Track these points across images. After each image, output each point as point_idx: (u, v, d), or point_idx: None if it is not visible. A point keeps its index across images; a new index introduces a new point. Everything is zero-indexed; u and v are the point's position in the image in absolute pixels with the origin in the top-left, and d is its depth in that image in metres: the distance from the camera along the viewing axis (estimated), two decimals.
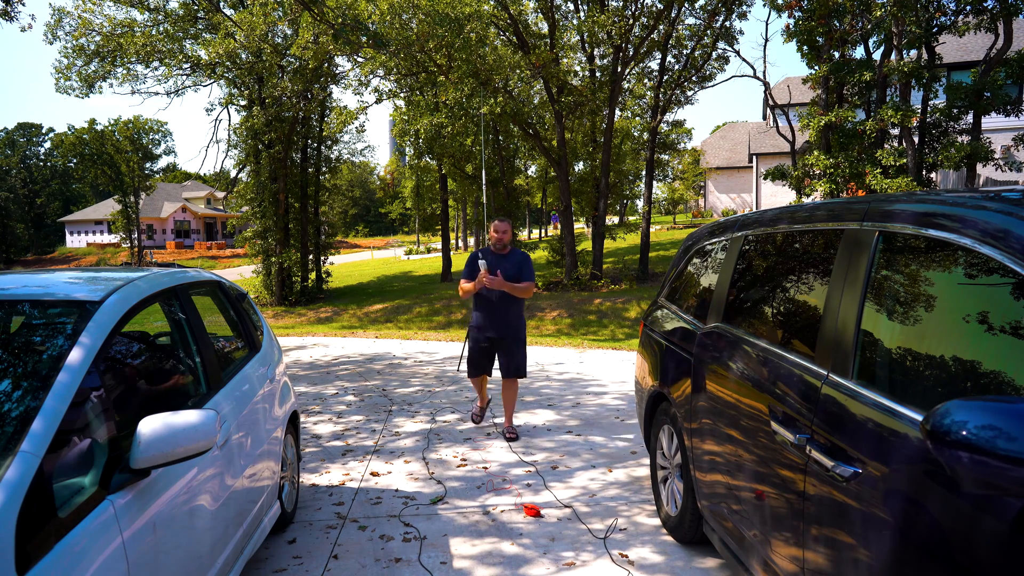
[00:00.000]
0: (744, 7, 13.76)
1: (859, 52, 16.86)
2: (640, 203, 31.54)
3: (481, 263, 4.21)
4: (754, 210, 3.21)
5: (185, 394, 2.24)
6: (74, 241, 50.06)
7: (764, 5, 12.10)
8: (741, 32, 15.25)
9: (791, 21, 11.28)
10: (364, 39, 10.99)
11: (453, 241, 39.14)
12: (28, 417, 1.44)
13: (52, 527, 1.33)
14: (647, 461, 3.94)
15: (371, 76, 13.37)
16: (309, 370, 7.38)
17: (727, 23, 14.12)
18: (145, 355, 2.35)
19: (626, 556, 2.77)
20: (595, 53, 14.61)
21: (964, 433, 1.06)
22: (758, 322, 2.25)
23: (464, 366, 6.27)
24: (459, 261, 26.46)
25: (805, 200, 12.67)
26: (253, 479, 2.47)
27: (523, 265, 4.34)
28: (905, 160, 10.26)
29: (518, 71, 12.50)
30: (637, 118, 19.30)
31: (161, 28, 14.33)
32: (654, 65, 15.71)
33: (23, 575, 1.22)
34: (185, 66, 14.63)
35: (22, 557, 1.23)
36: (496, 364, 4.52)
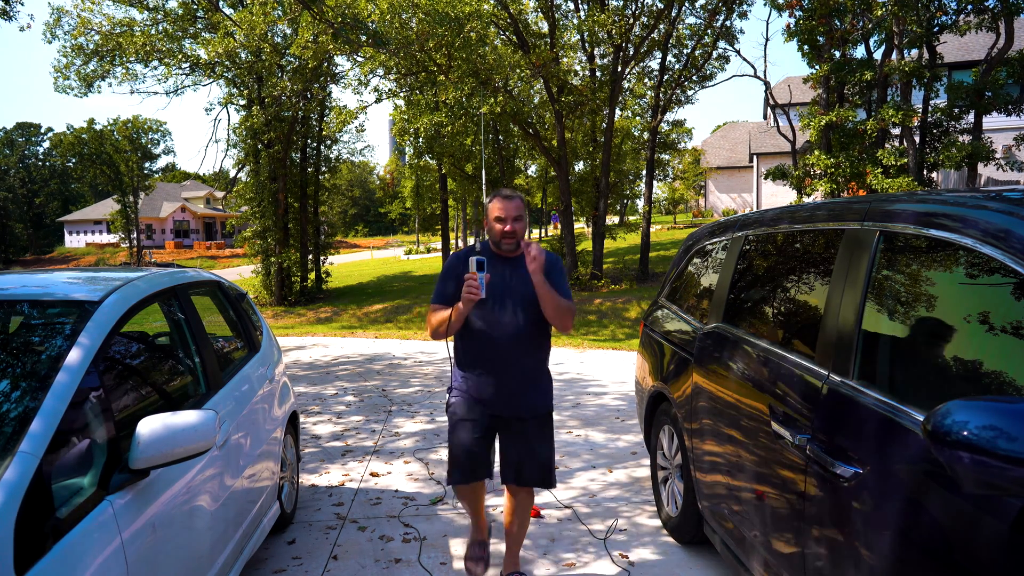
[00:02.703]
0: (744, 6, 13.76)
1: (860, 51, 16.85)
2: (640, 203, 31.53)
3: (473, 262, 2.15)
4: (755, 210, 3.21)
5: (184, 394, 2.23)
6: (73, 241, 50.03)
7: (764, 4, 12.12)
8: (742, 31, 15.25)
9: (792, 20, 11.28)
10: (364, 38, 10.99)
11: (453, 241, 39.13)
12: (27, 417, 1.44)
13: (51, 527, 1.33)
14: (647, 461, 3.94)
15: (371, 75, 13.36)
16: (309, 370, 7.38)
17: (727, 22, 14.11)
18: (144, 355, 2.34)
19: (626, 557, 2.76)
20: (595, 52, 14.59)
21: (965, 433, 1.06)
22: (759, 322, 2.25)
23: (444, 456, 3.58)
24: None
25: (806, 200, 12.66)
26: (252, 479, 2.47)
27: (552, 276, 2.30)
28: (906, 160, 10.25)
29: (518, 70, 12.49)
30: (637, 118, 19.30)
31: (160, 27, 14.31)
32: (654, 64, 15.70)
33: (22, 575, 1.22)
34: (184, 65, 14.62)
35: (21, 557, 1.23)
36: (496, 459, 2.40)
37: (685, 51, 14.94)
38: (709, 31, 14.16)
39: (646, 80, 16.46)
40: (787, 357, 1.92)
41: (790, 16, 11.34)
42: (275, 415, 2.93)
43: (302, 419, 5.12)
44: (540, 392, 2.36)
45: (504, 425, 2.34)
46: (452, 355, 2.42)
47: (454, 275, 2.29)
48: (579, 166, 19.24)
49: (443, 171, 19.14)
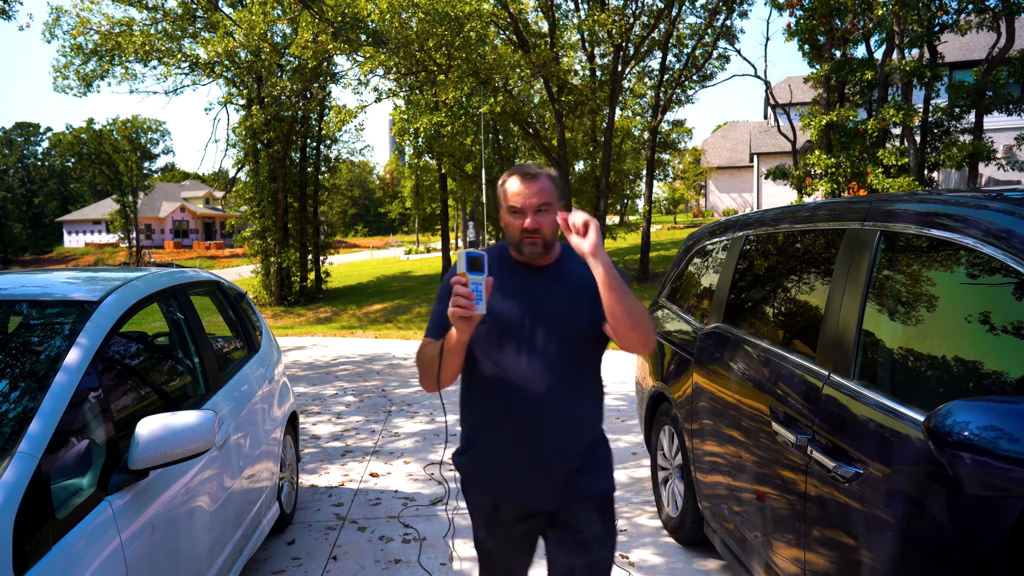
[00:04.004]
0: (745, 6, 13.76)
1: (860, 51, 16.86)
2: (640, 203, 31.53)
3: (462, 258, 1.35)
4: (755, 210, 3.21)
5: (184, 394, 2.23)
6: (72, 241, 50.00)
7: (765, 4, 12.13)
8: (742, 31, 15.29)
9: (792, 20, 11.29)
10: (363, 38, 10.99)
11: (453, 241, 39.16)
12: (26, 418, 1.44)
13: (50, 528, 1.33)
14: (647, 462, 3.94)
15: (370, 75, 13.36)
16: (308, 370, 7.37)
17: (728, 22, 14.12)
18: (143, 355, 2.34)
19: (627, 557, 2.76)
20: (595, 52, 14.60)
21: (966, 434, 1.05)
22: (759, 322, 2.25)
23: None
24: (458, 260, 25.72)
25: (806, 200, 12.67)
26: (252, 480, 2.47)
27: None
28: (907, 159, 10.25)
29: (518, 70, 12.49)
30: (638, 117, 19.31)
31: (159, 27, 14.31)
32: (655, 64, 15.71)
33: None
34: (184, 65, 14.62)
35: (20, 558, 1.23)
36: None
37: (685, 51, 14.94)
38: (709, 31, 14.16)
39: (646, 80, 16.47)
40: (787, 357, 1.92)
41: (791, 16, 11.34)
42: (274, 415, 2.93)
43: (302, 419, 5.12)
44: (595, 465, 1.54)
45: (546, 520, 1.56)
46: (460, 412, 1.62)
47: (449, 293, 1.37)
48: (579, 166, 19.24)
49: (443, 171, 19.14)
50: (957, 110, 11.13)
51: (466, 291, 1.33)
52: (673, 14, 13.45)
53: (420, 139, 16.40)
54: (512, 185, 1.47)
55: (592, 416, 1.57)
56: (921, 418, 1.34)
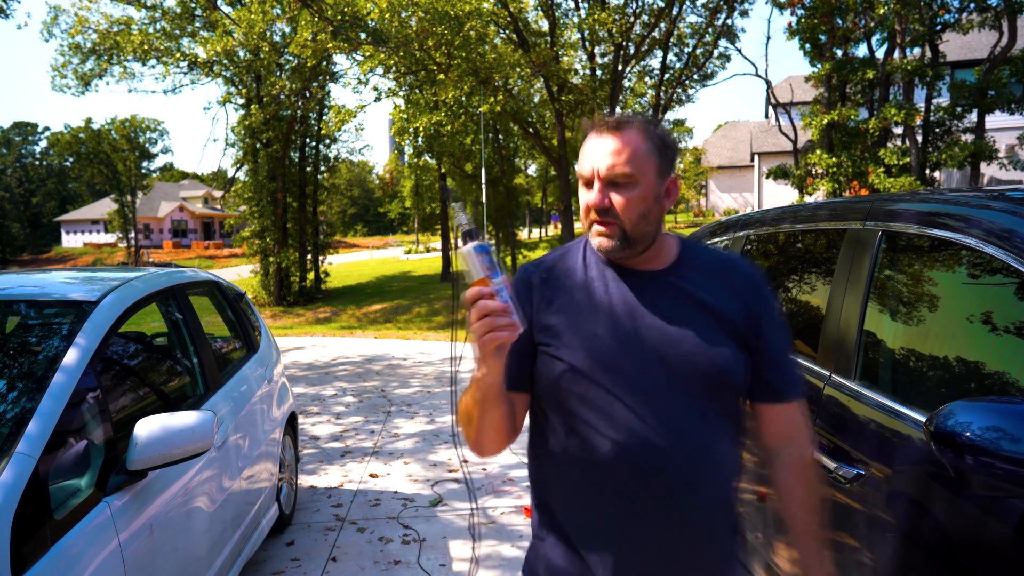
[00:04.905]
0: (746, 5, 13.77)
1: (862, 50, 16.86)
2: None
3: (469, 257, 0.92)
4: (756, 209, 3.20)
5: (182, 395, 2.23)
6: (70, 241, 49.96)
7: (766, 3, 12.17)
8: (743, 30, 15.30)
9: (793, 19, 11.29)
10: (363, 36, 10.98)
11: (452, 241, 39.07)
12: (24, 418, 1.43)
13: (48, 529, 1.32)
14: None
15: (370, 74, 13.36)
16: (307, 371, 7.37)
17: (729, 21, 14.10)
18: (142, 356, 2.33)
19: None
20: (596, 51, 14.59)
21: (968, 435, 1.05)
22: None
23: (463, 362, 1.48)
24: (460, 261, 25.59)
25: (807, 199, 12.67)
26: (251, 481, 2.46)
27: (764, 324, 1.03)
28: (908, 159, 10.25)
29: (518, 69, 12.48)
30: None
31: (158, 26, 14.30)
32: (655, 63, 15.69)
33: None
34: (182, 64, 14.61)
35: (18, 560, 1.23)
36: None
37: (686, 50, 14.93)
38: (710, 30, 14.15)
39: (647, 79, 16.45)
40: None
41: (792, 15, 11.34)
42: (274, 416, 2.92)
43: (301, 420, 5.11)
44: (720, 562, 1.09)
45: None
46: (531, 491, 1.12)
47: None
48: None
49: (443, 170, 19.14)
50: (959, 109, 11.12)
51: (497, 304, 0.86)
52: (674, 13, 13.44)
53: (420, 139, 16.40)
54: (587, 142, 0.99)
55: (727, 489, 1.06)
56: (923, 419, 1.33)
